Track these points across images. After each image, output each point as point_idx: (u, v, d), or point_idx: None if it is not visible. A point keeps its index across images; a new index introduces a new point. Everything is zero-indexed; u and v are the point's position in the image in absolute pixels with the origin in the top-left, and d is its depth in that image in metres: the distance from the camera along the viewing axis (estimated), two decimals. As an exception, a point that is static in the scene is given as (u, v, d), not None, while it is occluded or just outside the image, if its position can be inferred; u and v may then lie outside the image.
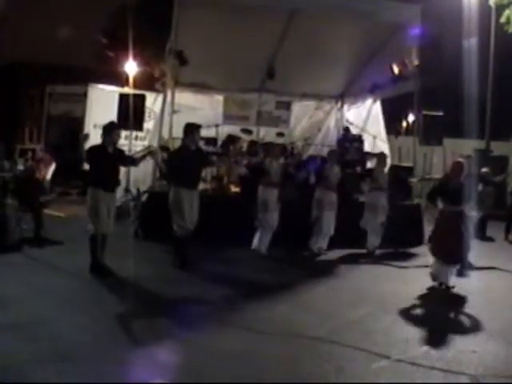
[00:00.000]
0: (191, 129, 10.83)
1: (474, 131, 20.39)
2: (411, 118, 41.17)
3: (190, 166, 10.65)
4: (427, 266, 10.56)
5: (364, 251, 13.09)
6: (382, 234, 13.13)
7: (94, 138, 19.17)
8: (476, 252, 12.31)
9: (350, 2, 13.21)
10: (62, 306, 8.00)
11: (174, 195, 10.59)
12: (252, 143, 16.72)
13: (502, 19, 22.84)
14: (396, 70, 14.65)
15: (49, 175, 16.88)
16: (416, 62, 14.17)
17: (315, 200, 12.68)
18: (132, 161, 10.68)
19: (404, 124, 45.71)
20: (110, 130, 9.75)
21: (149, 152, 11.74)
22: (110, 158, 9.66)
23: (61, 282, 9.19)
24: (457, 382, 6.08)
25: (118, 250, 10.04)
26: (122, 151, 10.29)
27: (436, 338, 7.40)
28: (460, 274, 10.89)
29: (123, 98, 14.51)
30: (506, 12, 22.96)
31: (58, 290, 8.72)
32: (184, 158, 10.67)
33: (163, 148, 13.87)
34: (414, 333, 7.62)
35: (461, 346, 7.20)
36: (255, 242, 12.22)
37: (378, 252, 13.17)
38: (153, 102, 16.51)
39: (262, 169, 12.34)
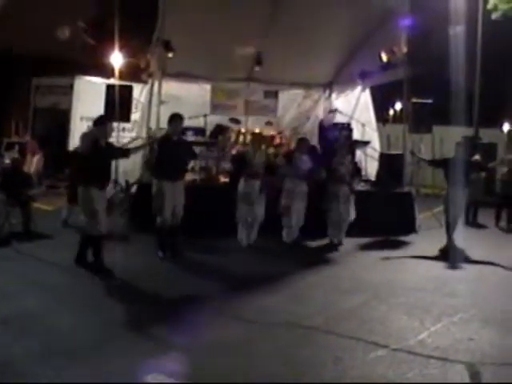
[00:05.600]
0: (173, 118, 10.70)
1: (462, 118, 20.43)
2: (398, 105, 41.20)
3: (172, 156, 10.50)
4: (419, 256, 10.62)
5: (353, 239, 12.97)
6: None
7: (80, 131, 19.23)
8: (468, 239, 12.37)
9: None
10: (52, 300, 7.94)
11: (156, 187, 10.54)
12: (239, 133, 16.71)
13: (489, 6, 22.89)
14: (385, 57, 14.58)
15: (35, 166, 16.72)
16: (405, 50, 14.10)
17: (284, 190, 12.37)
18: (123, 153, 10.33)
19: (391, 112, 45.71)
20: (102, 123, 9.33)
21: (150, 142, 11.68)
22: (102, 154, 9.20)
23: (51, 276, 9.10)
24: (455, 370, 6.05)
25: (108, 243, 9.92)
26: (112, 144, 9.91)
27: (432, 327, 7.38)
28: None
29: (110, 89, 14.41)
30: (492, -1, 23.04)
31: (49, 284, 8.62)
32: (166, 148, 10.56)
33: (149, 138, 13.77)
34: (410, 322, 7.60)
35: (457, 335, 7.18)
36: (239, 234, 12.14)
37: (369, 240, 13.14)
38: (140, 93, 16.41)
39: (244, 160, 12.15)
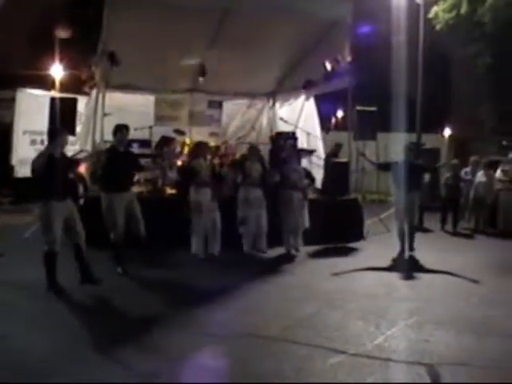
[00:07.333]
0: (119, 129, 10.58)
1: (405, 125, 20.70)
2: (340, 113, 41.56)
3: (119, 168, 10.38)
4: (373, 267, 10.93)
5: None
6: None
7: (23, 145, 18.94)
8: (416, 243, 12.54)
9: (282, 0, 13.18)
10: (9, 320, 7.70)
11: (105, 201, 10.38)
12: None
13: (430, 15, 23.39)
14: (329, 66, 14.70)
15: None
16: (348, 58, 14.25)
17: (240, 199, 12.41)
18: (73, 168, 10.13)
19: (333, 120, 46.03)
20: (56, 135, 9.21)
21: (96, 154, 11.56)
22: (58, 165, 8.94)
23: (5, 296, 8.80)
24: (414, 372, 6.14)
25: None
26: (66, 156, 9.62)
27: (387, 331, 7.48)
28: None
29: (55, 102, 14.19)
30: (434, 8, 23.56)
31: (4, 305, 8.37)
32: (112, 160, 10.42)
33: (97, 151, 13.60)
34: (365, 327, 7.69)
35: (413, 337, 7.32)
36: (194, 246, 11.99)
37: (318, 248, 13.21)
38: (84, 105, 16.23)
39: (191, 170, 12.16)
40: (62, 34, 25.72)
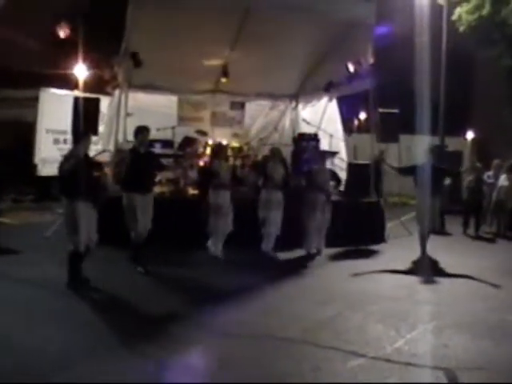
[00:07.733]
0: (140, 130, 10.69)
1: (428, 127, 20.57)
2: (363, 115, 41.49)
3: (141, 169, 10.44)
4: (393, 270, 10.94)
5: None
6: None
7: (46, 144, 19.09)
8: (437, 247, 12.46)
9: (304, 1, 13.13)
10: (25, 318, 7.73)
11: (125, 200, 10.48)
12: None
13: (454, 17, 23.24)
14: (351, 68, 14.65)
15: None
16: (371, 60, 14.16)
17: (262, 200, 12.41)
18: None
19: (356, 122, 45.91)
20: (83, 138, 9.41)
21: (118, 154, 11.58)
22: (85, 166, 9.01)
23: (22, 293, 8.86)
24: (433, 376, 6.11)
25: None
26: (89, 157, 9.71)
27: (407, 334, 7.44)
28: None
29: (78, 101, 14.25)
30: (458, 10, 23.41)
31: (20, 302, 8.42)
32: (133, 161, 10.48)
33: (119, 151, 13.65)
34: (385, 330, 7.64)
35: (432, 341, 7.28)
36: (211, 248, 12.00)
37: (339, 250, 13.16)
38: (107, 105, 16.31)
39: (211, 171, 12.15)
40: (63, 33, 25.85)
